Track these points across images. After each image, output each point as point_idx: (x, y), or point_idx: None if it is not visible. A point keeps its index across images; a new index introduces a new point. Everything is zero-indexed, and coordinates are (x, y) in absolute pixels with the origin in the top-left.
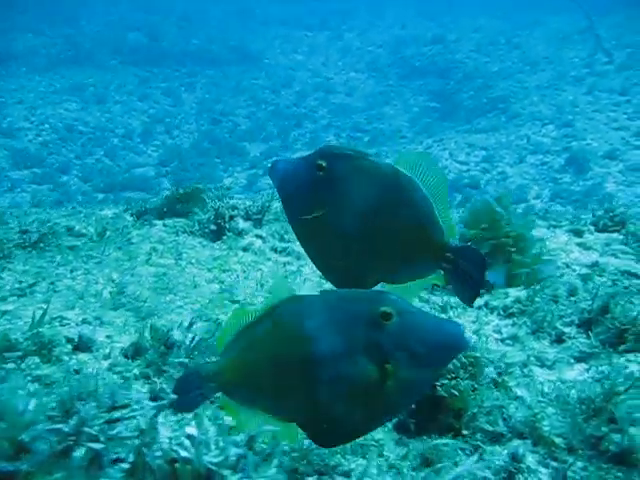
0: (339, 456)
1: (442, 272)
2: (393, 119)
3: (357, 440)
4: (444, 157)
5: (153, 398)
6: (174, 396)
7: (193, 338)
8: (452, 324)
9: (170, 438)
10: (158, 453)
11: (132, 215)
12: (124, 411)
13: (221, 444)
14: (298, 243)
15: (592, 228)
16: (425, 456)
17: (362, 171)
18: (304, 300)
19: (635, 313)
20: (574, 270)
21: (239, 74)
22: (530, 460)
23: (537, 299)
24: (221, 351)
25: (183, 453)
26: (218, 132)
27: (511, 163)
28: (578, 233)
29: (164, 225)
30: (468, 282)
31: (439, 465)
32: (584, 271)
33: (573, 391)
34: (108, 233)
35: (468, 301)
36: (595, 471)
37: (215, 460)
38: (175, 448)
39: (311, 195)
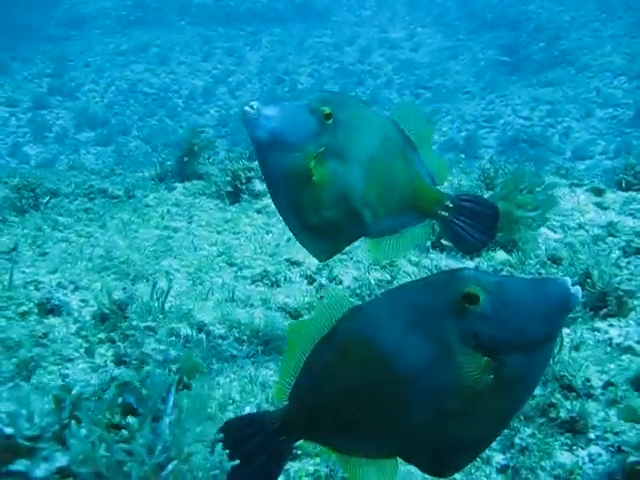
0: None
1: (432, 223)
2: (458, 75)
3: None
4: (507, 113)
5: (117, 362)
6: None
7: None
8: (553, 282)
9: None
10: None
11: (153, 179)
12: None
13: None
14: None
15: (614, 187)
16: None
17: (367, 120)
18: (367, 310)
19: (618, 279)
20: (587, 231)
21: (304, 32)
22: None
23: (528, 262)
24: (282, 392)
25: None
26: (280, 91)
27: (577, 117)
28: (598, 192)
29: (184, 188)
30: (476, 228)
31: None
32: (597, 232)
33: None
34: (138, 194)
35: (472, 249)
36: (543, 438)
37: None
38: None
39: (314, 145)
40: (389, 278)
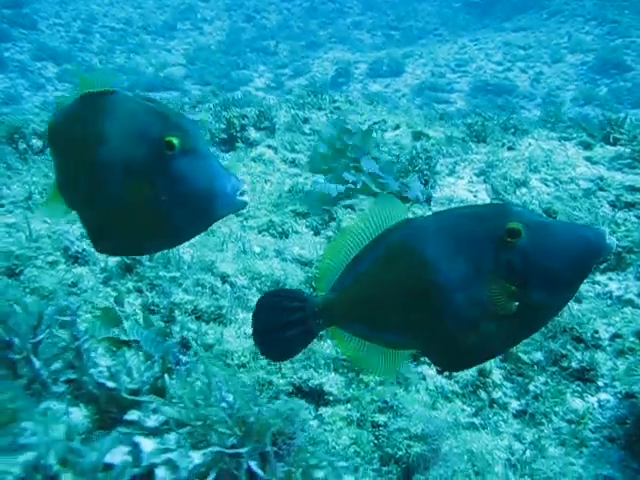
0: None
1: None
2: (430, 16)
3: None
4: (479, 57)
5: (146, 310)
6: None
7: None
8: (591, 230)
9: (107, 367)
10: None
11: None
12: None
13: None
14: (309, 153)
15: (602, 141)
16: None
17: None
18: (419, 223)
19: (616, 235)
20: (578, 185)
21: None
22: (497, 375)
23: None
24: (323, 283)
25: (110, 384)
26: (249, 29)
27: (549, 63)
28: (587, 146)
29: None
30: None
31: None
32: (588, 186)
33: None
34: None
35: None
36: (555, 385)
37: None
38: (102, 381)
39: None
40: None
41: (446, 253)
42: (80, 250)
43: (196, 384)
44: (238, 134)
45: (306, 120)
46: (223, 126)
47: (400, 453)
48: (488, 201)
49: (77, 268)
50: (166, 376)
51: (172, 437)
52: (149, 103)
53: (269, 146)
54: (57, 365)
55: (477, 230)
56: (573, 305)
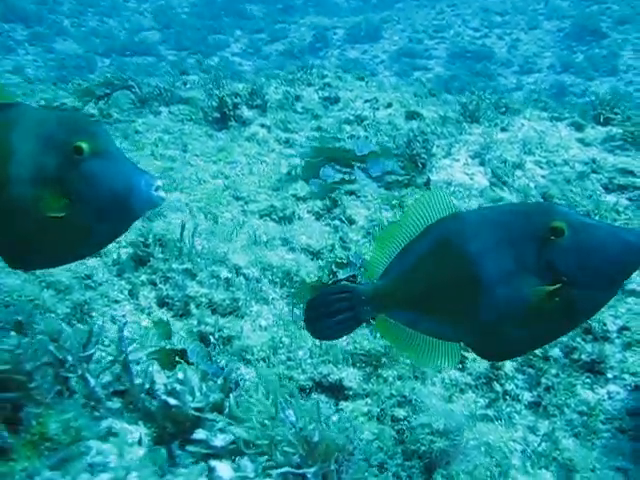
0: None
1: None
2: None
3: None
4: (457, 23)
5: (161, 304)
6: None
7: (194, 243)
8: (634, 234)
9: (165, 384)
10: (155, 402)
11: (133, 102)
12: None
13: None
14: (302, 133)
15: (593, 122)
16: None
17: None
18: (466, 217)
19: (617, 224)
20: (572, 167)
21: None
22: (508, 367)
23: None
24: (374, 271)
25: (172, 401)
26: None
27: (526, 29)
28: (579, 127)
29: (170, 113)
30: None
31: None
32: (582, 168)
33: None
34: (115, 116)
35: None
36: (566, 377)
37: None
38: (164, 398)
39: None
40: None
41: (488, 248)
42: None
43: (260, 403)
44: (231, 112)
45: (298, 98)
46: (215, 104)
47: (423, 448)
48: (485, 184)
49: (89, 260)
50: (231, 396)
51: (248, 463)
52: (55, 112)
53: (262, 125)
54: (107, 379)
55: (521, 227)
56: None
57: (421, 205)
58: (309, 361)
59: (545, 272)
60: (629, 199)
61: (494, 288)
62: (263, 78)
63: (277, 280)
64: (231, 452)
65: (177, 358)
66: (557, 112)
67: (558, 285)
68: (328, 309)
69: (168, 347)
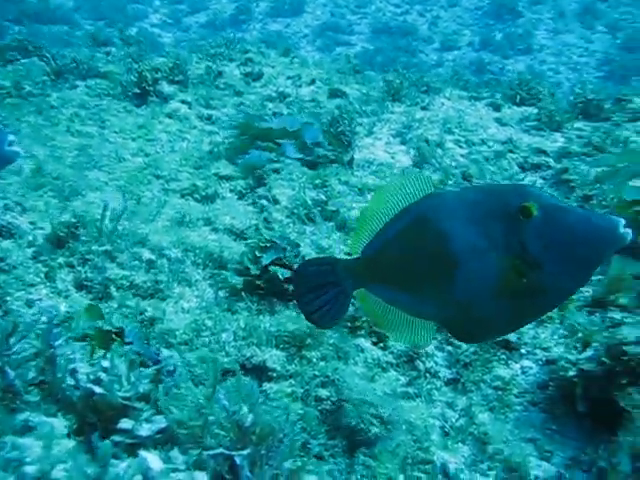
0: None
1: None
2: None
3: None
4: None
5: (79, 287)
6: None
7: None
8: (605, 219)
9: (87, 374)
10: (77, 392)
11: (48, 74)
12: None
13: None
14: (225, 110)
15: (510, 102)
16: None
17: None
18: (443, 196)
19: None
20: (490, 147)
21: None
22: (429, 346)
23: (449, 182)
24: (356, 246)
25: (98, 389)
26: None
27: (446, 7)
28: (497, 107)
29: (87, 87)
30: None
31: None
32: (499, 148)
33: None
34: (27, 88)
35: None
36: (483, 354)
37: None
38: (89, 386)
39: None
40: (324, 198)
41: (462, 225)
42: (4, 223)
43: (190, 390)
44: (151, 88)
45: (220, 73)
46: (134, 79)
47: (345, 427)
48: (406, 163)
49: (3, 242)
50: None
51: (178, 455)
52: None
53: (183, 101)
54: (29, 373)
55: (493, 206)
56: None
57: (404, 183)
58: (233, 344)
59: (517, 252)
60: (543, 178)
61: (467, 265)
62: (184, 52)
63: (200, 261)
64: (158, 442)
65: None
66: (476, 92)
67: (526, 266)
68: (313, 283)
69: (105, 327)
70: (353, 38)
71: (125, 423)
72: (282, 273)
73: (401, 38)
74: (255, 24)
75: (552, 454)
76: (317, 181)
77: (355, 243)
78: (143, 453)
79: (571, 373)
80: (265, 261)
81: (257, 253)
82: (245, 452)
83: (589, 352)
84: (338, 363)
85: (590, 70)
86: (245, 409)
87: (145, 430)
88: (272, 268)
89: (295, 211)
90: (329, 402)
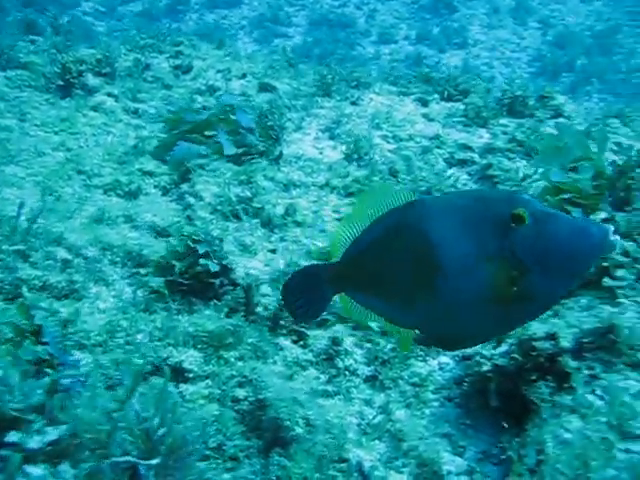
0: None
1: None
2: None
3: None
4: None
5: None
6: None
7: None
8: (595, 226)
9: None
10: None
11: None
12: None
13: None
14: (153, 104)
15: (437, 97)
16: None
17: None
18: (426, 202)
19: None
20: (417, 142)
21: None
22: (348, 343)
23: (375, 178)
24: (337, 251)
25: None
26: None
27: (383, 0)
28: (425, 103)
29: (6, 78)
30: None
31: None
32: (426, 143)
33: None
34: None
35: None
36: (401, 351)
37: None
38: None
39: None
40: (249, 195)
41: (450, 234)
42: None
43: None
44: (75, 80)
45: (148, 66)
46: (58, 70)
47: (262, 427)
48: (334, 158)
49: None
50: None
51: (68, 469)
52: None
53: (109, 94)
54: None
55: (482, 212)
56: None
57: (389, 189)
58: (149, 345)
59: (507, 260)
60: (468, 174)
61: (453, 273)
62: (116, 43)
63: (118, 260)
64: (50, 454)
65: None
66: (405, 87)
67: (516, 273)
68: (299, 290)
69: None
70: (291, 30)
71: (13, 436)
72: (212, 266)
73: (339, 31)
74: (192, 14)
75: (465, 449)
76: (242, 177)
77: (335, 247)
78: (28, 468)
79: (485, 368)
80: (192, 259)
81: (180, 250)
82: (154, 462)
83: (503, 347)
84: (256, 362)
85: (522, 65)
86: (157, 418)
87: (35, 442)
88: (203, 261)
89: (219, 208)
90: (246, 402)
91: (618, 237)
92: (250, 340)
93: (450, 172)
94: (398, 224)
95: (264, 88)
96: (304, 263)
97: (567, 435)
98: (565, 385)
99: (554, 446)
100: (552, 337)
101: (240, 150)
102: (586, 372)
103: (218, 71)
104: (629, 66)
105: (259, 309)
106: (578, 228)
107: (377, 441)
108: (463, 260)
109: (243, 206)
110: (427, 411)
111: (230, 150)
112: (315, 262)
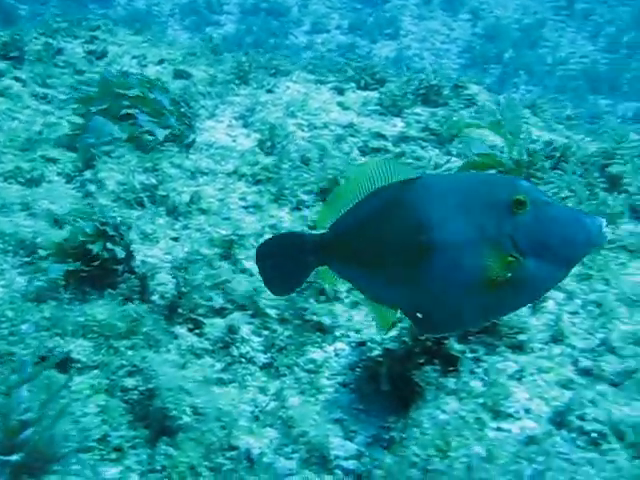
0: None
1: None
2: None
3: None
4: None
5: None
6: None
7: None
8: (590, 218)
9: None
10: None
11: None
12: None
13: None
14: (63, 89)
15: (354, 86)
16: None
17: None
18: (425, 181)
19: None
20: (332, 131)
21: None
22: (245, 331)
23: (284, 166)
24: (324, 221)
25: None
26: None
27: None
28: (341, 91)
29: None
30: None
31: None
32: (339, 132)
33: None
34: None
35: None
36: (298, 338)
37: None
38: None
39: None
40: (154, 182)
41: (447, 214)
42: None
43: None
44: None
45: (60, 51)
46: None
47: (150, 417)
48: (247, 146)
49: None
50: None
51: None
52: None
53: (17, 78)
54: None
55: (484, 196)
56: None
57: (384, 164)
58: (34, 335)
59: (505, 245)
60: None
61: (447, 254)
62: (27, 26)
63: (10, 249)
64: None
65: None
66: (323, 75)
67: (512, 258)
68: (278, 255)
69: None
70: (222, 18)
71: None
72: (119, 252)
73: (272, 19)
74: (120, 0)
75: (356, 433)
76: (148, 164)
77: (323, 217)
78: None
79: (376, 353)
80: (97, 248)
81: (80, 237)
82: (13, 458)
83: (394, 332)
84: (148, 351)
85: (452, 57)
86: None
87: None
88: (109, 245)
89: (122, 195)
90: (136, 392)
91: (609, 231)
92: (144, 329)
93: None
94: (395, 200)
95: (179, 75)
96: (205, 251)
97: (443, 416)
98: (451, 368)
99: (430, 427)
100: None
101: (167, 132)
102: (470, 355)
103: (134, 57)
104: (554, 59)
105: (155, 297)
106: (575, 218)
107: (269, 428)
108: (459, 242)
109: (147, 194)
110: (321, 397)
111: (161, 134)
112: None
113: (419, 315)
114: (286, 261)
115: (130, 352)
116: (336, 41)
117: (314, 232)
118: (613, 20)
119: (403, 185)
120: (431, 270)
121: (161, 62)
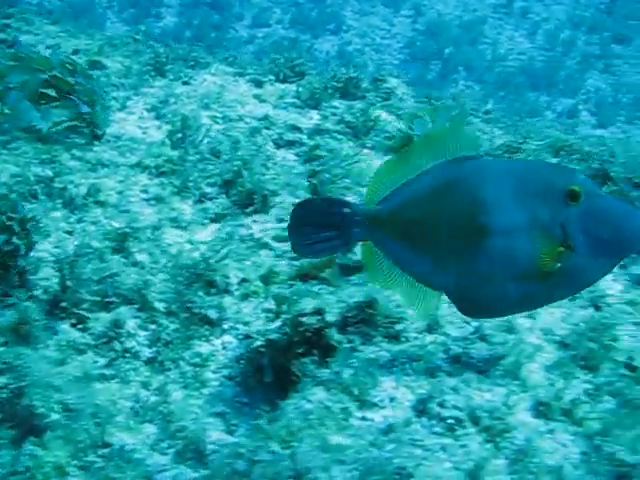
0: None
1: None
2: None
3: None
4: None
5: None
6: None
7: None
8: None
9: None
10: None
11: None
12: None
13: None
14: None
15: (273, 78)
16: None
17: None
18: (485, 162)
19: (265, 177)
20: (247, 123)
21: None
22: (131, 325)
23: (189, 158)
24: (372, 195)
25: None
26: None
27: None
28: (259, 84)
29: None
30: None
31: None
32: (254, 124)
33: (197, 253)
34: None
35: None
36: (185, 331)
37: None
38: None
39: None
40: (51, 174)
41: (503, 198)
42: None
43: None
44: None
45: None
46: None
47: (18, 416)
48: (158, 138)
49: None
50: None
51: None
52: None
53: None
54: None
55: (540, 184)
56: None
57: (443, 138)
58: None
59: (556, 234)
60: (296, 155)
61: (500, 238)
62: None
63: None
64: None
65: None
66: (242, 67)
67: (562, 249)
68: (318, 220)
69: None
70: (162, 10)
71: None
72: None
73: (214, 13)
74: None
75: (237, 426)
76: (45, 156)
77: (372, 192)
78: None
79: (259, 344)
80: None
81: None
82: None
83: (277, 323)
84: (24, 348)
85: (393, 52)
86: None
87: None
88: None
89: (15, 188)
90: (6, 390)
91: None
92: (22, 325)
93: (278, 153)
94: (453, 178)
95: (93, 66)
96: (97, 244)
97: (308, 406)
98: (328, 359)
99: (295, 417)
100: (319, 312)
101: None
102: (347, 345)
103: (47, 47)
104: (493, 55)
105: (38, 292)
106: (628, 212)
107: (148, 424)
108: (513, 226)
109: (42, 186)
110: (205, 391)
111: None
112: None
113: (464, 298)
114: (326, 230)
115: (2, 349)
116: (278, 35)
117: (362, 204)
118: (549, 18)
119: (462, 163)
120: (483, 253)
121: (76, 52)
